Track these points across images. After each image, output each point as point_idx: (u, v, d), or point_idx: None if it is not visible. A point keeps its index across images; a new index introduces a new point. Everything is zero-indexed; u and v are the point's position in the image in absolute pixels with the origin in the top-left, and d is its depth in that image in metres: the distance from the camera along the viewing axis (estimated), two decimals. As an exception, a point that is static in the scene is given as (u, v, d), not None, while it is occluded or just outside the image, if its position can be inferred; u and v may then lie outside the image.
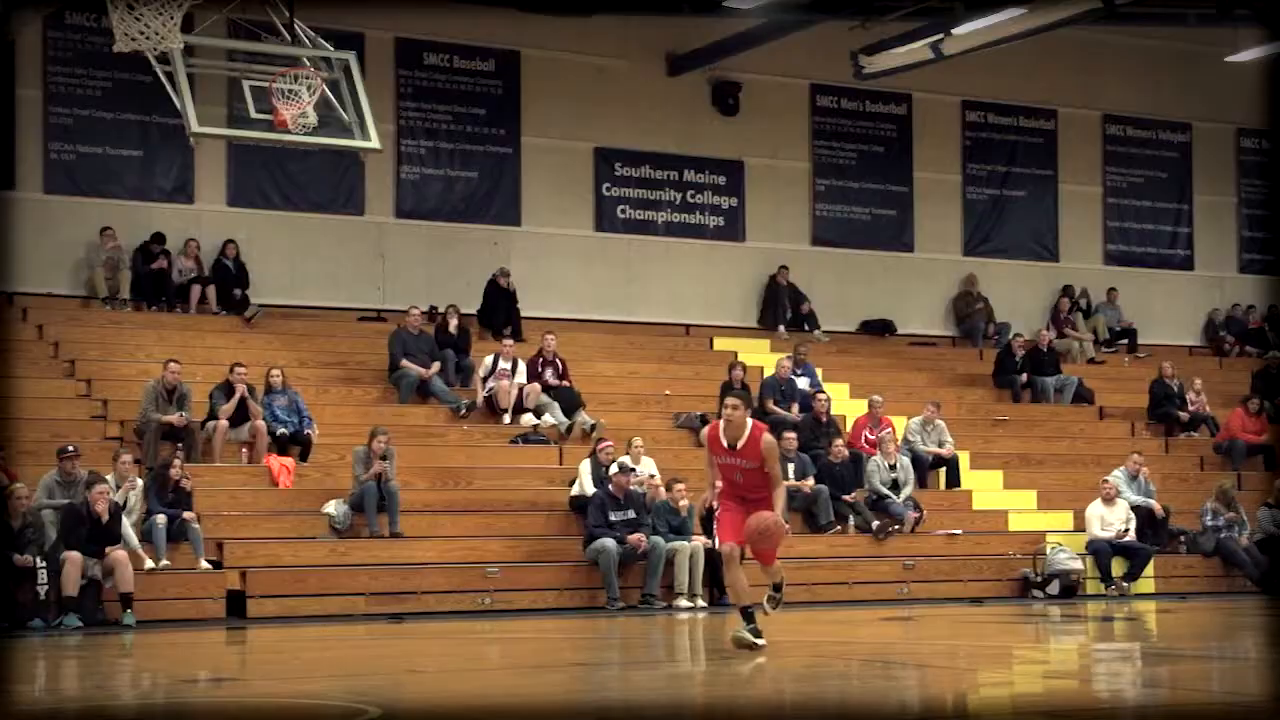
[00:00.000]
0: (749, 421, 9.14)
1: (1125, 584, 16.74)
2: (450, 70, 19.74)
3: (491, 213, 19.92)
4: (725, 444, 9.11)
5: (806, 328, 20.98)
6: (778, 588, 9.76)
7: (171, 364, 15.28)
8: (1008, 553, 16.86)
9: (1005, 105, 22.65)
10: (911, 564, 16.33)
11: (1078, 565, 16.65)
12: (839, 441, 17.18)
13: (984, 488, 18.18)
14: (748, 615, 9.18)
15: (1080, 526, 17.27)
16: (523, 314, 19.15)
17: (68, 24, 17.41)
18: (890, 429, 17.65)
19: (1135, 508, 17.25)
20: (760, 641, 9.10)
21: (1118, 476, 17.48)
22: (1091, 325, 22.64)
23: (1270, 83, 22.36)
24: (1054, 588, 16.47)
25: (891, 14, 18.31)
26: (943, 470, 18.14)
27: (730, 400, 9.16)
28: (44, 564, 12.82)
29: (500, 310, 19.00)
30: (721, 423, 9.20)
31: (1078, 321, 22.54)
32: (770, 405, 18.07)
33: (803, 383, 18.65)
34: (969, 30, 18.29)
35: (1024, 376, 20.43)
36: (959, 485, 18.06)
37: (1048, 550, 16.79)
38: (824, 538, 16.36)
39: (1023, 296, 22.53)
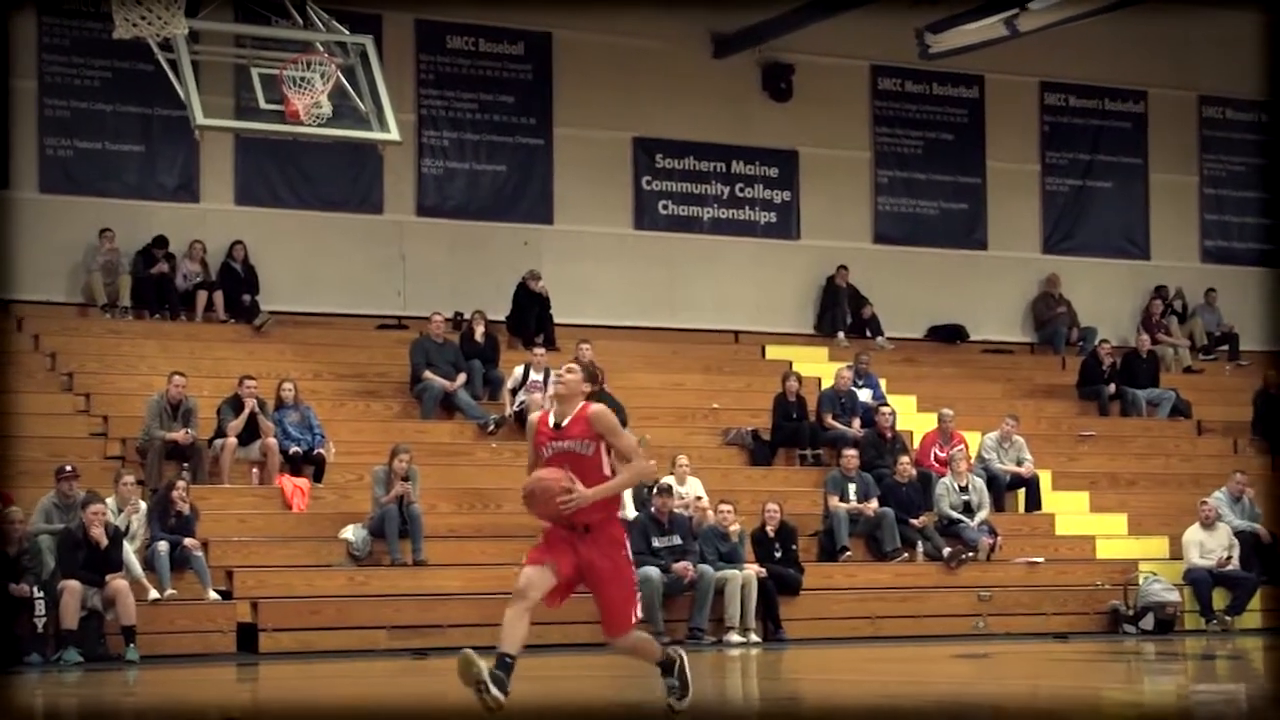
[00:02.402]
0: (583, 394, 7.69)
1: (1228, 618, 16.83)
2: (475, 54, 20.03)
3: (521, 210, 20.19)
4: (551, 424, 7.66)
5: (868, 334, 21.14)
6: (670, 669, 7.85)
7: (176, 377, 15.63)
8: (1095, 583, 16.99)
9: (1088, 86, 22.76)
10: (987, 595, 16.48)
11: (1174, 597, 16.75)
12: (905, 460, 17.35)
13: (1068, 511, 18.30)
14: (503, 664, 7.46)
15: (1177, 554, 17.37)
16: (556, 320, 19.38)
17: (64, 9, 17.80)
18: (962, 446, 17.80)
19: (1238, 533, 17.34)
20: (497, 694, 7.32)
21: (1218, 498, 17.57)
22: (1187, 330, 22.70)
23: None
24: (1148, 622, 16.58)
25: (961, -13, 18.47)
26: (1021, 491, 18.28)
27: (566, 365, 7.88)
28: (42, 594, 13.16)
29: (531, 316, 19.25)
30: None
31: (1172, 326, 22.61)
32: (829, 420, 18.26)
33: (864, 395, 18.80)
34: (1047, 4, 18.38)
35: (1112, 387, 20.53)
36: (1039, 508, 18.20)
37: (1140, 580, 16.90)
38: (890, 566, 16.54)
39: (1109, 298, 22.63)
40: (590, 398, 7.71)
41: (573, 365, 7.82)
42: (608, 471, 7.60)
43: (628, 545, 7.73)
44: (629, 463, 7.60)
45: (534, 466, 7.66)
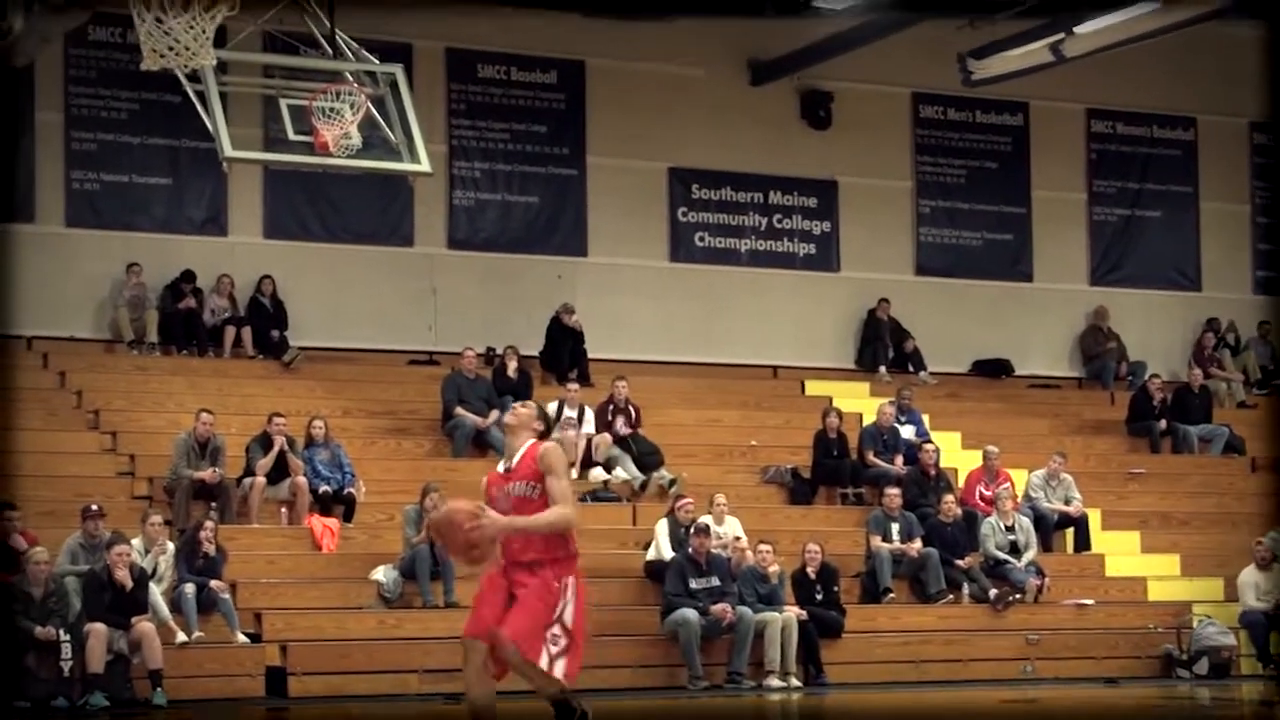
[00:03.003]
0: (533, 430, 7.67)
1: (1284, 661, 16.74)
2: (507, 83, 20.16)
3: (554, 242, 20.28)
4: (501, 469, 7.69)
5: (911, 369, 21.14)
6: (563, 711, 7.66)
7: (204, 414, 15.74)
8: (1147, 626, 16.94)
9: (1136, 113, 22.76)
10: (1035, 638, 16.43)
11: (1230, 640, 16.67)
12: (950, 498, 17.33)
13: (1118, 551, 18.24)
14: (562, 707, 7.54)
15: (1232, 596, 17.29)
16: (590, 355, 19.44)
17: (90, 40, 17.98)
18: (1009, 484, 17.76)
19: (1294, 574, 17.26)
20: None
21: (1275, 538, 17.49)
22: (1241, 364, 22.62)
23: None
24: (1202, 666, 16.50)
25: (1004, 12, 18.49)
26: (1070, 531, 18.23)
27: (517, 404, 7.95)
28: (68, 637, 13.24)
29: (565, 351, 19.31)
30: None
31: (1224, 359, 22.54)
32: (871, 457, 18.25)
33: (907, 431, 18.79)
34: (1094, 29, 18.43)
35: (1163, 423, 20.46)
36: (1089, 548, 18.14)
37: (1194, 623, 16.82)
38: (934, 609, 16.50)
39: (1160, 331, 22.58)
40: (540, 438, 7.70)
41: (527, 403, 7.95)
42: None
43: (568, 597, 7.52)
44: (556, 501, 7.48)
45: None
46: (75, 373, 17.50)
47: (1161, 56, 21.14)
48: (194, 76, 13.26)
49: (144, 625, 13.42)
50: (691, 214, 20.93)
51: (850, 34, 19.55)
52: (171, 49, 12.59)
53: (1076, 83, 21.17)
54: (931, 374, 21.14)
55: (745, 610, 15.18)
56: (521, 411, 7.74)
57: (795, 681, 15.15)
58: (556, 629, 7.50)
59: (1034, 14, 18.54)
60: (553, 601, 7.50)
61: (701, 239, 20.99)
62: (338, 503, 16.07)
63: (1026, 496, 18.04)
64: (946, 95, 21.58)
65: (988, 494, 17.75)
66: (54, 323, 18.04)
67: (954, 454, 18.93)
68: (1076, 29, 18.51)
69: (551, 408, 17.67)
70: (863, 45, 19.68)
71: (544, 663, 7.43)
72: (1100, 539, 18.26)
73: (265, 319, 18.74)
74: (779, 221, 21.28)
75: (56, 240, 18.24)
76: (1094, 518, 18.31)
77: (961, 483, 18.23)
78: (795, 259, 21.33)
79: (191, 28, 12.01)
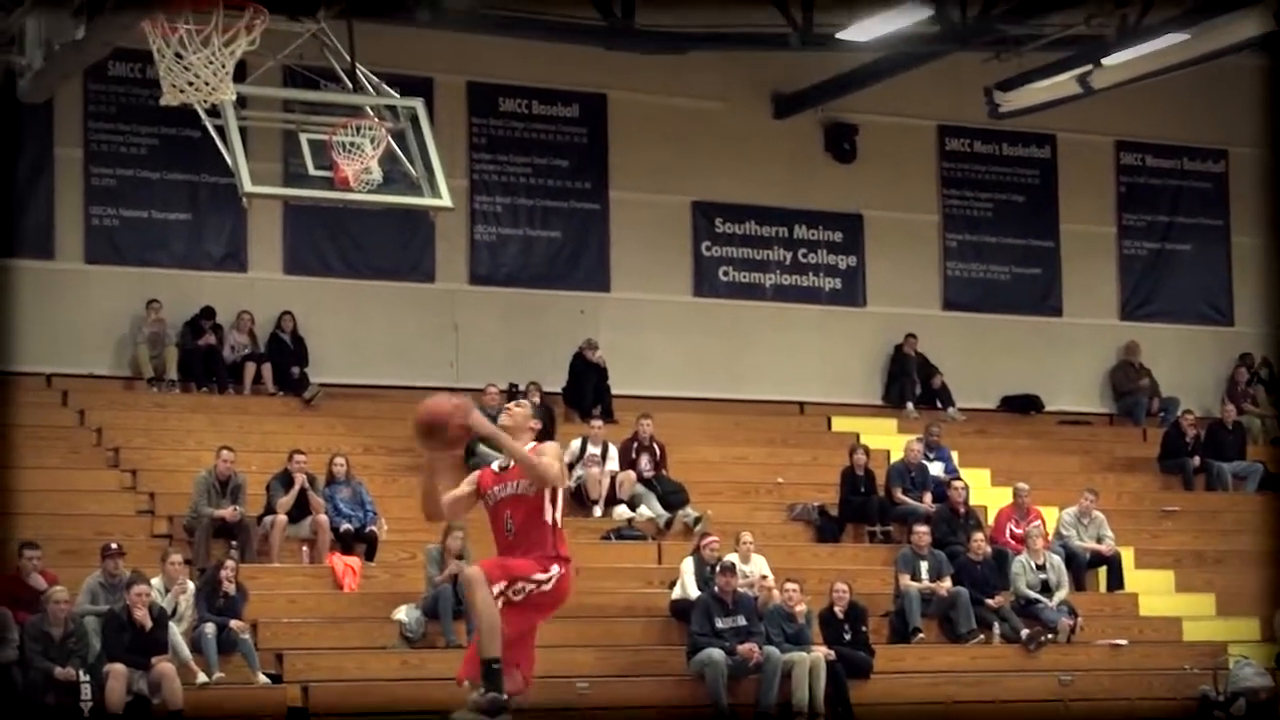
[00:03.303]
0: (530, 430, 7.66)
1: (1323, 703, 16.63)
2: (529, 117, 20.23)
3: (577, 277, 20.31)
4: (496, 468, 7.67)
5: (939, 405, 21.10)
6: (495, 689, 7.51)
7: (224, 452, 15.78)
8: (1182, 667, 16.84)
9: (1166, 145, 22.74)
10: (1068, 679, 16.35)
11: (1266, 682, 16.57)
12: (979, 536, 17.27)
13: (1152, 590, 18.15)
14: (493, 674, 7.43)
15: (1269, 636, 17.24)
16: (614, 392, 19.46)
17: (110, 76, 18.09)
18: (1039, 522, 17.70)
19: (1332, 613, 17.16)
20: None
21: (1311, 576, 17.42)
22: (1275, 399, 22.52)
23: None
24: (1239, 708, 16.39)
25: (1031, 44, 18.51)
26: (1102, 570, 18.15)
27: (512, 404, 7.93)
28: (87, 677, 13.26)
29: (588, 388, 19.33)
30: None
31: (1258, 395, 22.45)
32: (899, 495, 18.21)
33: (936, 468, 18.75)
34: (1122, 60, 18.42)
35: (1196, 460, 20.38)
36: (1122, 587, 18.06)
37: (1230, 664, 16.73)
38: (965, 649, 16.44)
39: (1192, 366, 22.51)
40: (540, 438, 7.69)
41: (522, 401, 7.95)
42: (548, 519, 7.55)
43: (553, 574, 7.52)
44: (538, 457, 7.48)
45: (457, 505, 7.67)
46: (95, 410, 17.56)
47: (1191, 88, 21.13)
48: (214, 111, 13.34)
49: (164, 666, 13.43)
50: (715, 248, 20.96)
51: (875, 66, 19.57)
52: (191, 84, 12.67)
53: (1105, 115, 21.15)
54: (960, 410, 21.10)
55: (772, 650, 15.13)
56: (517, 412, 7.72)
57: (823, 723, 15.10)
58: (530, 586, 7.49)
59: (1061, 46, 18.56)
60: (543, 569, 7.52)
61: (726, 273, 21.00)
62: (359, 541, 16.08)
63: (1058, 534, 17.97)
64: (973, 128, 21.59)
65: (1018, 532, 17.69)
66: (73, 360, 18.11)
67: (983, 491, 18.88)
68: (1104, 61, 18.50)
69: (575, 445, 17.85)
70: (888, 78, 19.70)
71: (497, 588, 7.38)
72: (1133, 578, 18.17)
73: (286, 355, 18.79)
74: (804, 256, 21.29)
75: (75, 277, 18.32)
76: (1127, 556, 18.23)
77: (991, 520, 18.17)
78: (820, 294, 21.33)
79: (211, 63, 12.09)
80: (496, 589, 7.41)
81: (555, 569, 7.55)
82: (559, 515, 7.61)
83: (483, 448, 17.09)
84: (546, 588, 7.53)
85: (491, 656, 7.40)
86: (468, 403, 7.54)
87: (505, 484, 7.58)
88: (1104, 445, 21.29)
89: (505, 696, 7.42)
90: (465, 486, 7.72)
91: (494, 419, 18.74)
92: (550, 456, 7.55)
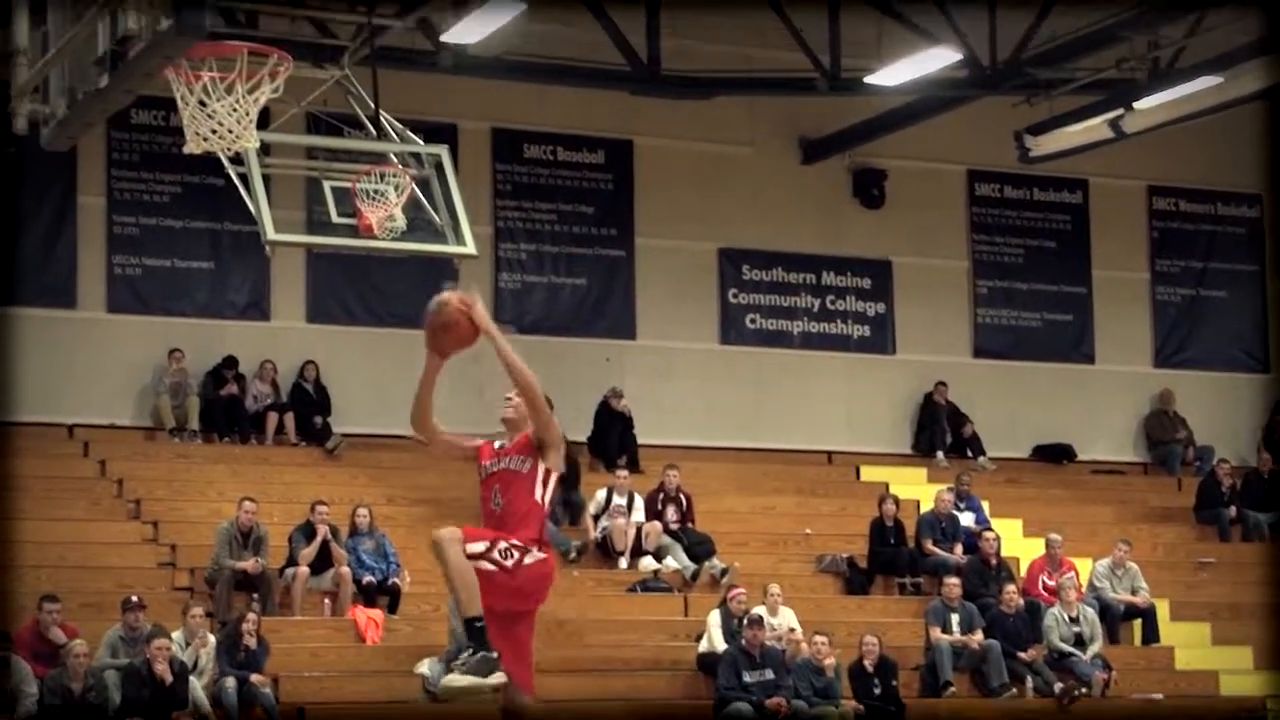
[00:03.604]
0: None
1: (1363, 756, 16.48)
2: (554, 163, 20.29)
3: (602, 325, 20.32)
4: (497, 445, 7.65)
5: (969, 454, 21.03)
6: (481, 649, 7.28)
7: (246, 503, 15.79)
8: (1219, 721, 16.72)
9: (1200, 190, 22.70)
10: (1103, 732, 16.23)
11: (1304, 735, 16.45)
12: (1011, 588, 17.18)
13: (1188, 643, 18.03)
14: (477, 632, 7.23)
15: (1306, 689, 17.07)
16: (640, 441, 19.43)
17: (133, 124, 18.20)
18: (1073, 573, 17.61)
19: (1372, 665, 17.02)
20: (492, 680, 7.18)
21: (1349, 628, 17.28)
22: (1312, 447, 22.42)
23: None
24: (1276, 761, 16.27)
25: (1062, 88, 18.54)
26: (1137, 622, 18.05)
27: (511, 393, 7.76)
28: (107, 732, 13.24)
29: (613, 437, 19.30)
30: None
31: (1295, 443, 22.34)
32: (929, 546, 18.14)
33: (966, 519, 18.68)
34: (1154, 104, 18.41)
35: (1232, 510, 20.27)
36: (1157, 640, 17.94)
37: (1268, 718, 16.56)
38: (997, 703, 16.33)
39: (1228, 415, 22.39)
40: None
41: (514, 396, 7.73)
42: (537, 497, 7.42)
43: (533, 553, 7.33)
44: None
45: (448, 443, 7.63)
46: (116, 461, 17.59)
47: (1225, 131, 21.09)
48: (237, 159, 13.42)
49: (184, 720, 13.41)
50: (742, 295, 20.95)
51: (903, 111, 19.60)
52: (215, 132, 12.74)
53: (1137, 159, 21.14)
54: (991, 459, 21.02)
55: (800, 704, 15.07)
56: (519, 403, 7.62)
57: (853, 779, 15.00)
58: (516, 552, 7.31)
59: (1092, 90, 18.56)
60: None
61: (753, 321, 20.99)
62: (382, 593, 16.05)
63: (1091, 586, 17.87)
64: (1003, 172, 21.58)
65: (1051, 584, 17.60)
66: (94, 410, 18.14)
67: (1015, 542, 18.79)
68: (1136, 105, 18.50)
69: (600, 495, 17.82)
70: (917, 122, 19.72)
71: (475, 548, 7.22)
72: (1169, 630, 18.05)
73: (308, 405, 18.80)
74: (832, 303, 21.27)
75: (97, 326, 18.38)
76: (1162, 608, 18.11)
77: (1023, 572, 18.08)
78: (849, 341, 21.30)
79: (235, 110, 12.15)
80: (478, 547, 7.23)
81: (537, 552, 7.38)
82: (548, 499, 7.48)
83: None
84: (529, 560, 7.33)
85: (473, 615, 7.21)
86: (474, 297, 7.54)
87: (501, 459, 7.52)
88: (1138, 495, 21.18)
89: (496, 654, 7.21)
90: (466, 441, 7.70)
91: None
92: (556, 427, 7.50)
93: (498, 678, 7.20)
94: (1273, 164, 22.20)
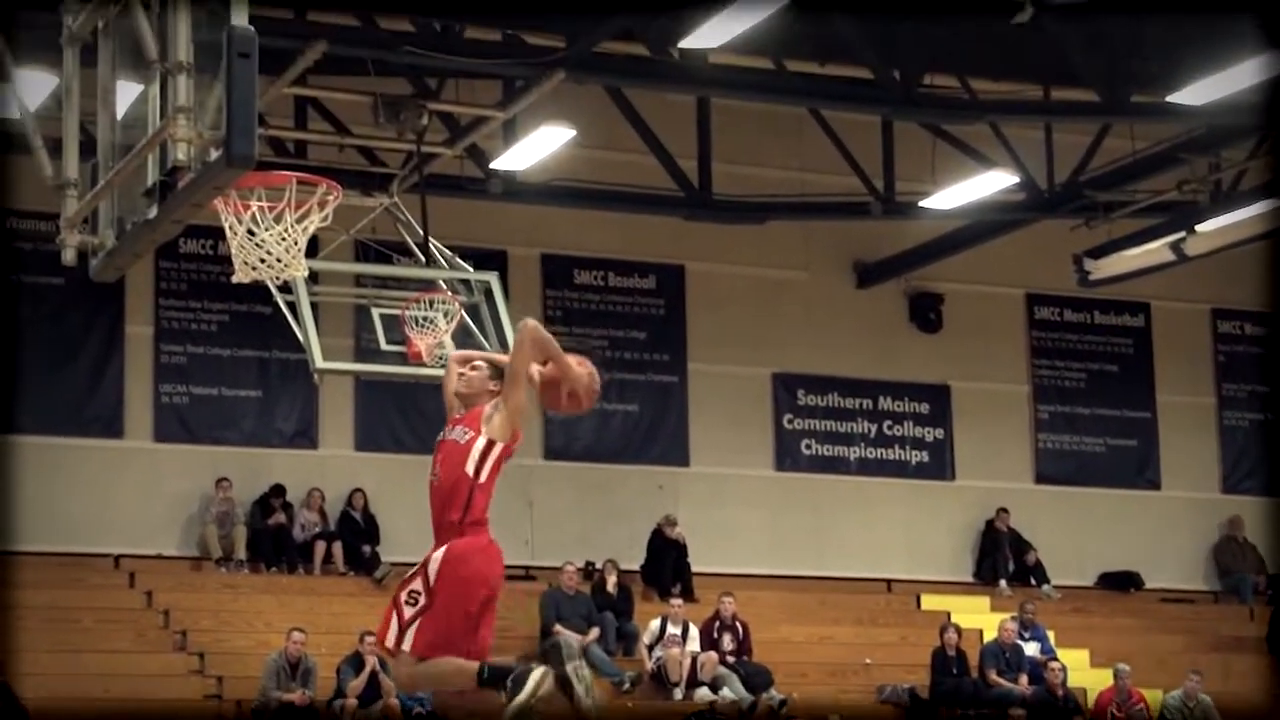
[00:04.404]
0: (489, 392, 7.08)
1: None
2: (605, 289, 20.45)
3: (655, 452, 20.36)
4: (459, 413, 7.16)
5: (1033, 582, 20.87)
6: (518, 676, 6.80)
7: (294, 633, 15.84)
8: None
9: (1265, 313, 22.62)
10: None
11: None
12: (1079, 720, 16.99)
13: (1262, 777, 17.74)
14: (497, 675, 6.77)
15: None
16: (694, 569, 19.38)
17: (181, 253, 18.50)
18: (1143, 705, 17.42)
19: None
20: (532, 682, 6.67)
21: None
22: (1386, 575, 22.15)
23: None
24: None
25: (1121, 210, 18.58)
26: (1209, 756, 17.78)
27: (466, 367, 7.24)
28: None
29: (667, 565, 19.27)
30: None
31: (1369, 570, 22.07)
32: (993, 676, 17.96)
33: (1031, 648, 18.52)
34: (1216, 226, 18.41)
35: (1307, 639, 20.03)
36: (1231, 774, 17.67)
37: None
38: (1064, 839, 16.07)
39: (1299, 542, 22.17)
40: None
41: (479, 364, 7.23)
42: (469, 469, 6.93)
43: (438, 558, 6.89)
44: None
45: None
46: (162, 592, 17.68)
47: (1289, 252, 21.07)
48: (285, 287, 13.58)
49: None
50: (797, 421, 20.97)
51: (960, 234, 19.70)
52: (263, 260, 12.94)
53: (1200, 282, 21.11)
54: (1055, 587, 20.85)
55: (861, 842, 14.87)
56: (474, 376, 7.13)
57: None
58: (417, 585, 6.91)
59: (1153, 212, 18.59)
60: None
61: (808, 447, 20.99)
62: (430, 726, 16.02)
63: (1162, 718, 17.62)
64: (1063, 296, 21.59)
65: (1120, 715, 17.41)
66: (141, 540, 18.24)
67: (1082, 673, 18.59)
68: (1198, 227, 18.49)
69: (654, 625, 17.77)
70: (974, 245, 19.80)
71: (391, 638, 6.86)
72: (1243, 765, 17.79)
73: (357, 534, 18.88)
74: (889, 428, 21.25)
75: (144, 455, 18.54)
76: (1236, 742, 17.86)
77: (1092, 703, 17.89)
78: (907, 467, 21.26)
79: (284, 239, 12.34)
80: (390, 640, 6.90)
81: (435, 559, 6.92)
82: (487, 473, 6.98)
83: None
84: (433, 569, 6.89)
85: (478, 675, 6.78)
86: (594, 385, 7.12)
87: (450, 430, 7.06)
88: (1209, 624, 20.93)
89: (522, 667, 6.80)
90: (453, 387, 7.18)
91: (571, 598, 18.72)
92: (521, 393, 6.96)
93: (535, 676, 6.74)
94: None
